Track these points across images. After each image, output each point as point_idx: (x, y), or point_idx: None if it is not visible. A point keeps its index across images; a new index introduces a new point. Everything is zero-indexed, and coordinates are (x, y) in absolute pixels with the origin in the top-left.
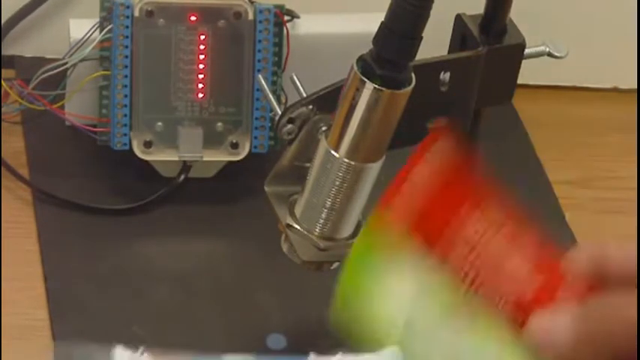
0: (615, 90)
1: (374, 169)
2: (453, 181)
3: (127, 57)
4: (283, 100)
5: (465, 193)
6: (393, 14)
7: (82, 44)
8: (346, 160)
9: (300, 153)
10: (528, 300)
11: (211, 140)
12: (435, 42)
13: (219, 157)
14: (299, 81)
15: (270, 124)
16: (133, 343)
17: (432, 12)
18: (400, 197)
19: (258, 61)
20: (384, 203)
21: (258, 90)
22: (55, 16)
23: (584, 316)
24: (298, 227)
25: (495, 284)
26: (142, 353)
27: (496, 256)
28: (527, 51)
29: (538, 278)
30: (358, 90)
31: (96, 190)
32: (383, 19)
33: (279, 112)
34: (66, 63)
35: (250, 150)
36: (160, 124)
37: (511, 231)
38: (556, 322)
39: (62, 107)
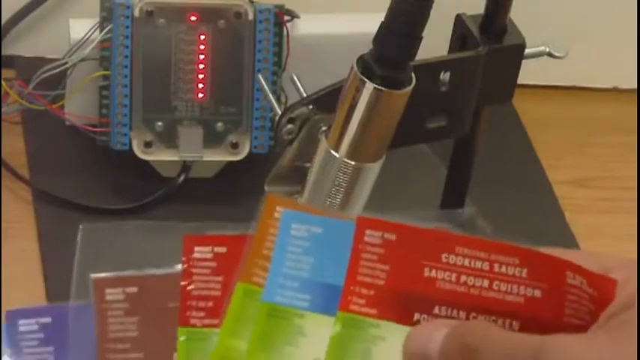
0: (615, 90)
1: (374, 169)
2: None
3: (127, 57)
4: (283, 100)
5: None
6: (392, 14)
7: (82, 44)
8: (346, 160)
9: (300, 153)
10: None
11: (211, 140)
12: (435, 42)
13: (219, 157)
14: (299, 81)
15: (270, 124)
16: None
17: (432, 12)
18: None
19: (258, 61)
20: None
21: (258, 90)
22: (55, 16)
23: (458, 334)
24: None
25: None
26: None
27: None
28: (527, 51)
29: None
30: (358, 90)
31: (96, 190)
32: (383, 19)
33: (279, 112)
34: (66, 63)
35: (250, 150)
36: (159, 124)
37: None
38: (432, 335)
39: (62, 107)
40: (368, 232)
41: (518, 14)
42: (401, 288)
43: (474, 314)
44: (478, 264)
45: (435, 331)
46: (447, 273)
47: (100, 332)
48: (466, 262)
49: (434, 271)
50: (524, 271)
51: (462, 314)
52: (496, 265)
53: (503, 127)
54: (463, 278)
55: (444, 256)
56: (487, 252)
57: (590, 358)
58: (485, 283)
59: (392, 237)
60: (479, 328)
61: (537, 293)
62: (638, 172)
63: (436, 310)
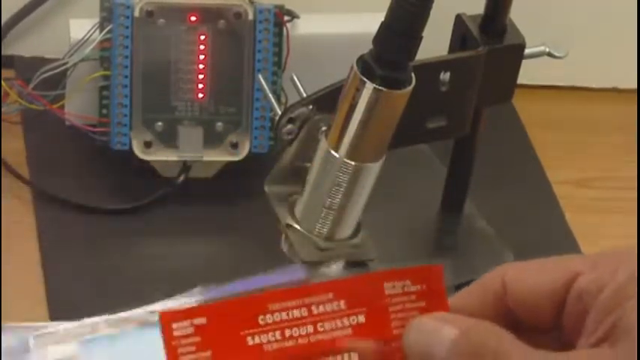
0: (615, 90)
1: (374, 169)
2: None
3: (127, 57)
4: (283, 100)
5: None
6: (392, 14)
7: (82, 44)
8: (346, 160)
9: (300, 153)
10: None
11: (211, 140)
12: (435, 42)
13: (219, 157)
14: (299, 81)
15: (270, 124)
16: None
17: (432, 12)
18: None
19: (258, 61)
20: None
21: (258, 90)
22: (55, 16)
23: (471, 336)
24: (298, 227)
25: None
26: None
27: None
28: (527, 51)
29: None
30: (358, 90)
31: (96, 190)
32: (383, 19)
33: (279, 112)
34: (66, 63)
35: (250, 150)
36: (159, 124)
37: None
38: (438, 336)
39: (62, 107)
40: (175, 325)
41: (518, 14)
42: None
43: None
44: (296, 313)
45: (441, 330)
46: (270, 334)
47: None
48: (284, 316)
49: (256, 337)
50: (342, 302)
51: None
52: (314, 307)
53: (503, 127)
54: (287, 332)
55: (260, 318)
56: (300, 298)
57: None
58: (310, 328)
59: (202, 321)
60: (492, 330)
61: (361, 318)
62: (638, 172)
63: None
